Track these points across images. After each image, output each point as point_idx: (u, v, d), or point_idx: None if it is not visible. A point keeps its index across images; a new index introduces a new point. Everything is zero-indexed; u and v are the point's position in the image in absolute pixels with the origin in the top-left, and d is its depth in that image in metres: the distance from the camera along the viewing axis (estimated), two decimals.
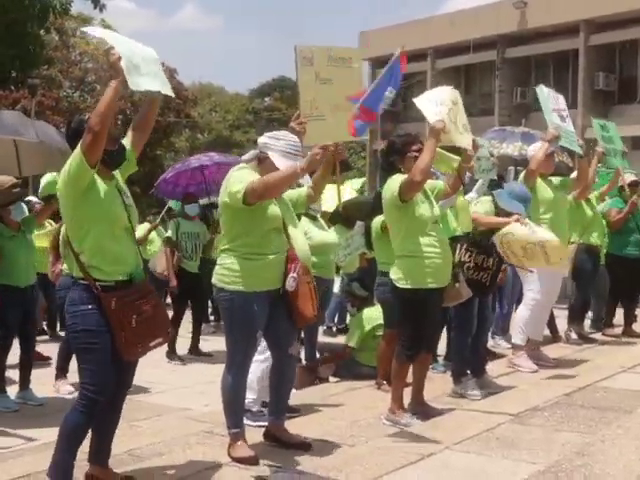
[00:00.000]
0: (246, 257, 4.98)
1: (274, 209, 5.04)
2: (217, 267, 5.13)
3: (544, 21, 29.88)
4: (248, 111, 54.95)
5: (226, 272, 5.02)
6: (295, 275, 4.98)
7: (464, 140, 6.14)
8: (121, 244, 4.34)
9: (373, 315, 8.08)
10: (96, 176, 4.28)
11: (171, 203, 15.17)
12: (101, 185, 4.30)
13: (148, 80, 4.29)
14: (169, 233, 10.54)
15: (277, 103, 55.45)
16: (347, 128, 5.94)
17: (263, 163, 5.08)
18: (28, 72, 24.91)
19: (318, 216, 7.78)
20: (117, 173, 4.51)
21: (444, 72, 33.80)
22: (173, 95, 4.55)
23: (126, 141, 4.55)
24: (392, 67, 5.96)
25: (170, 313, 11.79)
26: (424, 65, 34.79)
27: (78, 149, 4.15)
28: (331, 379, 8.25)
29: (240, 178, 4.95)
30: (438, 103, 6.09)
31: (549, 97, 8.01)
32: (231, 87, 69.99)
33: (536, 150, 8.04)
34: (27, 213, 8.07)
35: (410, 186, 5.67)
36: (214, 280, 5.13)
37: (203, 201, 12.03)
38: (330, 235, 7.91)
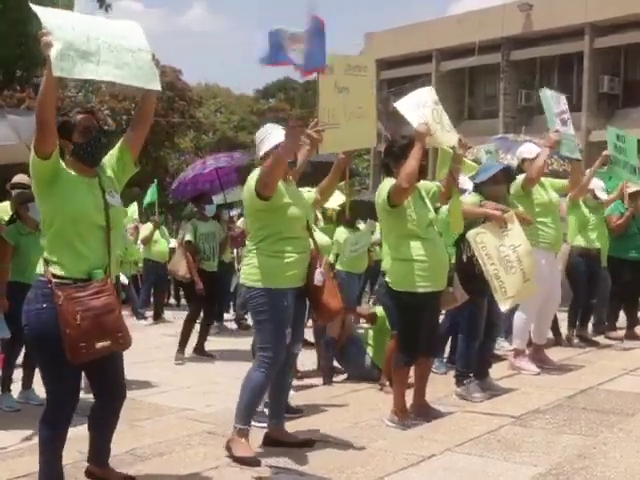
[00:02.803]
0: (272, 255, 5.08)
1: (296, 211, 5.13)
2: (245, 267, 5.22)
3: (549, 24, 29.84)
4: (253, 112, 54.91)
5: (255, 270, 5.11)
6: (322, 270, 5.12)
7: (452, 139, 6.11)
8: (86, 243, 4.18)
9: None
10: (68, 172, 4.20)
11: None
12: (71, 180, 4.20)
13: (103, 69, 4.06)
14: (188, 237, 10.40)
15: (282, 104, 55.45)
16: (361, 136, 5.96)
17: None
18: (33, 72, 24.93)
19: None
20: (107, 171, 4.41)
21: (449, 74, 33.79)
22: (156, 88, 4.33)
23: (122, 141, 4.48)
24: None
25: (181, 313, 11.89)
26: (429, 67, 34.78)
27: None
28: (336, 379, 8.27)
29: (253, 175, 5.11)
30: (420, 105, 6.06)
31: (552, 101, 7.95)
32: (237, 88, 70.03)
33: (528, 151, 8.02)
34: None
35: (397, 192, 5.68)
36: (243, 279, 5.23)
37: (218, 199, 11.98)
38: (323, 238, 7.95)
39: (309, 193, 5.72)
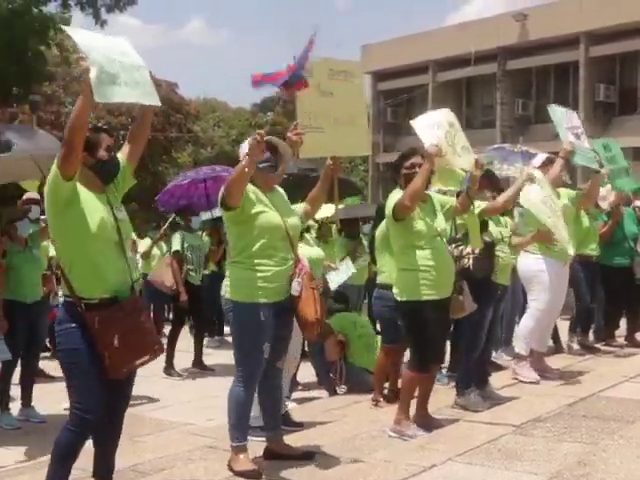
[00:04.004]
0: (252, 268, 5.03)
1: (273, 218, 5.08)
2: (225, 279, 5.21)
3: (544, 33, 29.93)
4: (251, 126, 55.00)
5: (233, 283, 5.10)
6: (300, 280, 5.05)
7: (463, 162, 6.14)
8: (106, 258, 4.21)
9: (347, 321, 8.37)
10: (82, 189, 4.21)
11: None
12: (86, 198, 4.21)
13: (125, 90, 4.12)
14: (176, 246, 10.36)
15: (279, 118, 55.55)
16: (351, 143, 5.96)
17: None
18: (30, 88, 24.95)
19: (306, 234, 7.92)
20: (112, 188, 4.44)
21: (445, 85, 33.89)
22: (158, 104, 4.37)
23: (121, 154, 4.50)
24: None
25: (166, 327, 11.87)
26: (425, 78, 34.90)
27: (54, 162, 4.10)
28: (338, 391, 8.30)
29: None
30: (435, 126, 6.09)
31: (562, 116, 8.01)
32: (235, 102, 70.11)
33: (539, 161, 8.09)
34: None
35: (400, 209, 5.74)
36: (222, 292, 5.20)
37: (207, 215, 11.97)
38: (314, 250, 7.99)
39: (296, 205, 5.67)
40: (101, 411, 4.26)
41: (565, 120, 7.98)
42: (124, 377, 4.26)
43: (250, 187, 5.06)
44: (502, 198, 6.81)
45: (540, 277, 7.85)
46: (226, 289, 5.16)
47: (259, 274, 5.02)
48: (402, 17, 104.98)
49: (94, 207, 4.22)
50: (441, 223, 5.96)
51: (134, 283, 4.35)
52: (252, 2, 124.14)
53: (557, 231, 7.16)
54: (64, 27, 4.32)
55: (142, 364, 4.29)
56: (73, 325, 4.15)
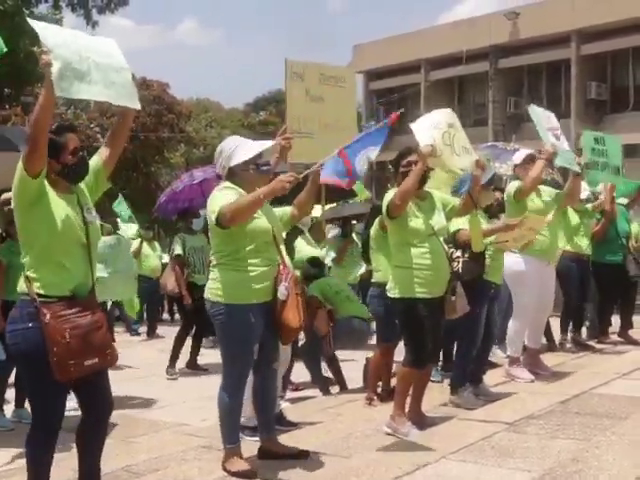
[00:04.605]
0: (239, 269, 5.00)
1: (263, 223, 5.05)
2: (210, 282, 5.16)
3: (536, 32, 30.00)
4: (243, 126, 54.98)
5: (220, 285, 5.04)
6: (287, 284, 5.01)
7: (461, 162, 6.11)
8: (69, 260, 4.14)
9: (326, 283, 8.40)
10: (50, 189, 4.14)
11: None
12: (54, 198, 4.14)
13: (95, 89, 4.07)
14: (178, 250, 10.41)
15: (272, 117, 55.56)
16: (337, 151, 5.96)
17: (238, 177, 5.11)
18: (22, 90, 24.91)
19: (305, 230, 7.87)
20: (83, 189, 4.35)
21: (437, 84, 33.91)
22: (137, 107, 4.33)
23: (96, 157, 4.41)
24: (381, 130, 5.91)
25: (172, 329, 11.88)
26: (417, 77, 34.93)
27: (20, 159, 4.05)
28: (331, 391, 8.30)
29: (219, 200, 4.99)
30: (433, 127, 6.08)
31: (542, 116, 7.98)
32: (228, 102, 70.20)
33: (520, 157, 8.05)
34: None
35: (392, 207, 5.76)
36: (207, 294, 5.14)
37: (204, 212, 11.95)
38: (317, 250, 7.99)
39: (284, 208, 5.63)
40: (57, 417, 4.18)
41: (545, 121, 7.95)
42: (74, 378, 4.05)
43: (241, 192, 5.03)
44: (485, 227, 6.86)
45: (521, 277, 7.80)
46: (213, 292, 5.09)
47: (250, 274, 4.99)
48: (399, 17, 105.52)
49: (61, 207, 4.15)
50: (439, 222, 5.96)
51: (94, 285, 4.26)
52: (247, 2, 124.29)
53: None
54: (30, 20, 4.11)
55: (92, 368, 4.08)
56: (30, 325, 4.04)
